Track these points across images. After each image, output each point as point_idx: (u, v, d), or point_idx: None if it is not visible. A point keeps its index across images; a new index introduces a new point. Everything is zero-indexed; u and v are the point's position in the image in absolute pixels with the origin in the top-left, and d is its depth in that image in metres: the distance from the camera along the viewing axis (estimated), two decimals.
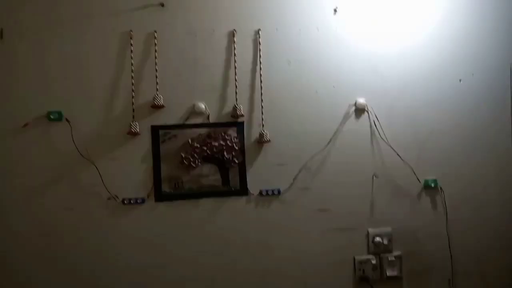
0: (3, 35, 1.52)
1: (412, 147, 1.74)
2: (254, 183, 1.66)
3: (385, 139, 1.71)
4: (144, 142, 1.60)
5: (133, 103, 1.57)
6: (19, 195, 1.54)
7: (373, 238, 1.72)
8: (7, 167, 1.53)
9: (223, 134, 1.63)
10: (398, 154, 1.71)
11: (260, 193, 1.66)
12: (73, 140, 1.54)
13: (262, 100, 1.64)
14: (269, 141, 1.64)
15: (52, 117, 1.54)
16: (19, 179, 1.54)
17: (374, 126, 1.72)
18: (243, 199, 1.66)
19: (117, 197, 1.57)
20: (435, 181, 1.75)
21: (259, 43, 1.64)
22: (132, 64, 1.57)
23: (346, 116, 1.71)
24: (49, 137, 1.55)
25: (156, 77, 1.57)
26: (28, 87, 1.54)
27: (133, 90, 1.57)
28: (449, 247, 1.75)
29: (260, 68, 1.64)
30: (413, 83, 1.75)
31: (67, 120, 1.55)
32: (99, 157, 1.57)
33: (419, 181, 1.74)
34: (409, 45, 1.75)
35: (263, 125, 1.64)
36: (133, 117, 1.57)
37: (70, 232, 1.56)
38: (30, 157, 1.54)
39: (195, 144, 1.61)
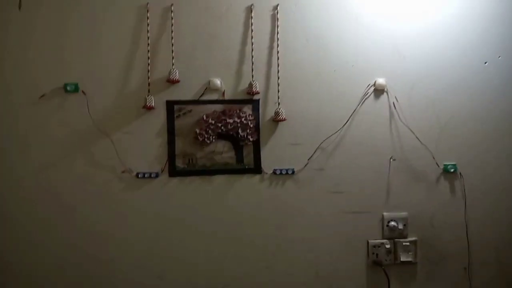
0: (21, 6, 1.52)
1: (432, 131, 1.69)
2: (268, 162, 1.64)
3: (404, 121, 1.67)
4: (159, 117, 1.59)
5: (148, 77, 1.56)
6: (35, 166, 1.56)
7: (388, 222, 1.69)
8: (24, 138, 1.55)
9: (238, 111, 1.61)
10: (417, 137, 1.67)
11: (274, 172, 1.64)
12: (89, 113, 1.55)
13: (278, 78, 1.61)
14: (285, 119, 1.61)
15: (68, 88, 1.54)
16: (35, 150, 1.55)
17: (394, 107, 1.67)
18: (257, 177, 1.64)
19: (131, 170, 1.58)
20: (454, 166, 1.70)
21: (277, 19, 1.61)
22: (148, 38, 1.56)
23: (364, 97, 1.66)
24: (65, 109, 1.55)
25: (172, 51, 1.56)
26: (46, 59, 1.55)
27: (148, 64, 1.56)
28: (467, 235, 1.70)
29: (278, 45, 1.61)
30: (435, 65, 1.68)
31: (83, 92, 1.55)
32: (114, 130, 1.57)
33: (438, 166, 1.69)
34: (432, 25, 1.68)
35: (279, 103, 1.62)
36: (149, 91, 1.56)
37: (84, 204, 1.57)
38: (47, 128, 1.55)
39: (210, 121, 1.60)
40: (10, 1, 1.53)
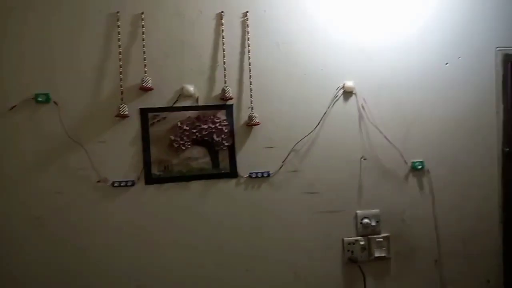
0: None
1: (400, 130, 1.77)
2: (243, 166, 1.66)
3: (373, 121, 1.73)
4: (133, 125, 1.59)
5: (121, 85, 1.56)
6: (7, 178, 1.52)
7: (362, 219, 1.74)
8: None
9: (212, 117, 1.63)
10: (385, 137, 1.74)
11: (250, 175, 1.66)
12: (61, 123, 1.53)
13: (251, 83, 1.64)
14: (259, 123, 1.64)
15: (39, 99, 1.52)
16: (7, 162, 1.52)
17: (362, 109, 1.73)
18: (233, 181, 1.66)
19: (107, 179, 1.57)
20: (422, 163, 1.77)
21: (247, 25, 1.64)
22: (119, 46, 1.56)
23: (334, 99, 1.72)
24: (36, 120, 1.53)
25: (144, 59, 1.57)
26: (14, 69, 1.52)
27: (121, 72, 1.56)
28: (436, 228, 1.78)
29: (249, 51, 1.64)
30: (400, 66, 1.77)
31: (54, 102, 1.53)
32: (88, 140, 1.56)
33: (406, 163, 1.76)
34: (396, 29, 1.77)
35: (252, 108, 1.65)
36: (122, 99, 1.56)
37: (60, 216, 1.55)
38: (18, 140, 1.52)
39: (185, 127, 1.61)
40: None
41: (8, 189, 1.52)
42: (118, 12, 1.56)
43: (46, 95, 1.53)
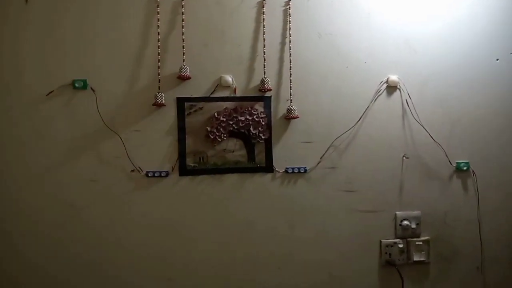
0: (28, 0, 1.49)
1: (445, 128, 1.68)
2: (280, 160, 1.61)
3: (417, 118, 1.65)
4: (170, 114, 1.55)
5: (159, 74, 1.53)
6: (44, 164, 1.50)
7: (401, 221, 1.67)
8: (32, 136, 1.50)
9: (249, 108, 1.59)
10: (430, 135, 1.65)
11: (286, 170, 1.61)
12: (97, 110, 1.51)
13: (290, 74, 1.58)
14: (297, 117, 1.58)
15: (77, 85, 1.50)
16: (43, 148, 1.50)
17: (406, 104, 1.65)
18: (268, 176, 1.61)
19: (141, 169, 1.54)
20: (467, 164, 1.68)
21: (289, 15, 1.58)
22: (158, 34, 1.52)
23: (377, 93, 1.64)
24: (73, 106, 1.51)
25: (183, 47, 1.53)
26: (54, 54, 1.50)
27: (159, 60, 1.53)
28: (480, 233, 1.69)
29: (290, 41, 1.58)
30: (447, 61, 1.67)
31: (92, 89, 1.51)
32: (124, 128, 1.53)
33: (451, 164, 1.67)
34: (444, 22, 1.67)
35: (291, 100, 1.59)
36: (159, 88, 1.53)
37: (92, 205, 1.53)
38: (55, 126, 1.51)
39: (221, 118, 1.57)
40: None
41: (44, 175, 1.51)
42: None
43: (84, 81, 1.51)
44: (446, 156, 1.67)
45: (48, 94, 1.50)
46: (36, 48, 1.50)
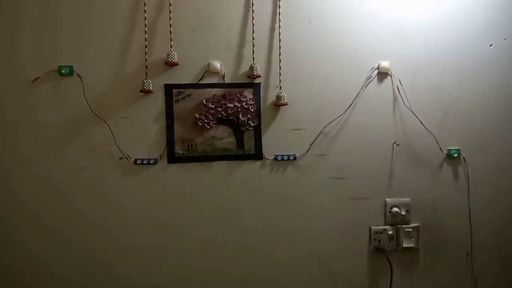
0: None
1: (436, 115, 1.66)
2: (269, 148, 1.60)
3: (408, 105, 1.63)
4: (157, 101, 1.54)
5: (146, 60, 1.51)
6: (30, 151, 1.50)
7: (391, 208, 1.67)
8: (18, 122, 1.49)
9: (238, 95, 1.57)
10: (421, 122, 1.64)
11: (275, 158, 1.60)
12: (84, 97, 1.49)
13: (280, 60, 1.56)
14: (287, 104, 1.57)
15: (63, 71, 1.48)
16: (29, 135, 1.50)
17: (397, 91, 1.63)
18: (258, 163, 1.60)
19: (129, 157, 1.54)
20: (458, 151, 1.67)
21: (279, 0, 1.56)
22: (145, 19, 1.50)
23: (368, 80, 1.62)
24: (60, 93, 1.50)
25: (170, 32, 1.50)
26: (39, 40, 1.48)
27: (146, 46, 1.50)
28: (469, 220, 1.69)
29: (280, 26, 1.56)
30: (440, 47, 1.65)
31: (78, 75, 1.49)
32: (111, 115, 1.52)
33: (442, 151, 1.66)
34: (436, 8, 1.64)
35: (280, 87, 1.57)
36: (146, 74, 1.51)
37: (80, 192, 1.53)
38: (42, 112, 1.50)
39: (210, 105, 1.55)
40: None
41: (31, 162, 1.51)
42: None
43: (70, 67, 1.49)
44: (437, 143, 1.65)
45: (34, 81, 1.48)
46: (23, 32, 1.48)
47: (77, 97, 1.50)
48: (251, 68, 1.54)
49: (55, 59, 1.49)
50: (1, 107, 1.49)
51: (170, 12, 1.51)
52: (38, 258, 1.53)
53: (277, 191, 1.62)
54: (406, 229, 1.67)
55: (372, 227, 1.67)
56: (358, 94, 1.62)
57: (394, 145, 1.65)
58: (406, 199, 1.67)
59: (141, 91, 1.51)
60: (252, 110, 1.58)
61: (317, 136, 1.61)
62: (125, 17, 1.51)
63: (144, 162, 1.54)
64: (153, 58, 1.52)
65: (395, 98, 1.64)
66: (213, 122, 1.56)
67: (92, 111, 1.50)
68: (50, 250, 1.53)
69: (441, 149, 1.66)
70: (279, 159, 1.60)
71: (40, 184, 1.51)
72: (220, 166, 1.59)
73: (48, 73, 1.49)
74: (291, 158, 1.61)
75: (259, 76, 1.56)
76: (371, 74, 1.62)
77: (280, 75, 1.57)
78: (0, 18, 1.47)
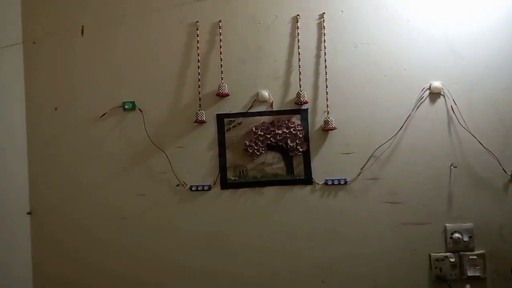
0: (83, 32, 1.65)
1: (497, 134, 1.57)
2: (319, 172, 1.61)
3: (464, 125, 1.56)
4: (210, 130, 1.63)
5: (199, 92, 1.61)
6: (97, 179, 1.65)
7: (452, 234, 1.58)
8: (88, 154, 1.65)
9: (286, 121, 1.61)
10: (480, 142, 1.55)
11: (326, 182, 1.60)
12: (145, 129, 1.62)
13: (327, 86, 1.59)
14: (335, 128, 1.58)
15: (126, 107, 1.63)
16: (97, 165, 1.65)
17: (452, 111, 1.57)
18: (308, 188, 1.61)
19: (185, 183, 1.62)
20: None
21: (323, 27, 1.59)
22: (198, 54, 1.62)
23: (419, 101, 1.59)
24: (123, 126, 1.65)
25: (221, 66, 1.60)
26: (105, 80, 1.66)
27: (199, 80, 1.61)
28: None
29: (325, 53, 1.59)
30: (495, 64, 1.58)
31: (139, 109, 1.63)
32: (168, 145, 1.63)
33: (505, 172, 1.56)
34: (488, 23, 1.59)
35: (328, 112, 1.59)
36: (200, 105, 1.61)
37: (143, 217, 1.64)
38: (108, 144, 1.65)
39: (259, 132, 1.61)
40: (74, 28, 1.66)
41: (97, 191, 1.65)
42: (197, 22, 1.62)
43: (132, 103, 1.63)
44: (500, 163, 1.56)
45: (102, 116, 1.64)
46: (91, 73, 1.66)
47: (138, 129, 1.63)
48: (298, 94, 1.58)
49: (119, 96, 1.65)
50: (73, 139, 1.66)
51: (220, 48, 1.61)
52: (97, 280, 1.64)
53: (329, 216, 1.61)
54: (470, 257, 1.57)
55: (432, 254, 1.59)
56: (409, 115, 1.58)
57: (452, 167, 1.58)
58: (469, 224, 1.58)
59: (195, 121, 1.60)
60: (300, 136, 1.60)
61: (368, 160, 1.59)
62: (180, 53, 1.64)
63: (199, 188, 1.62)
64: (206, 90, 1.62)
65: (450, 118, 1.58)
66: (263, 149, 1.61)
67: (151, 141, 1.62)
68: (115, 272, 1.64)
69: (504, 170, 1.56)
70: (329, 183, 1.60)
71: (105, 211, 1.64)
72: (271, 191, 1.62)
73: (114, 109, 1.64)
74: (342, 183, 1.60)
75: (306, 102, 1.59)
76: (422, 95, 1.59)
77: (327, 100, 1.59)
78: (73, 60, 1.66)
